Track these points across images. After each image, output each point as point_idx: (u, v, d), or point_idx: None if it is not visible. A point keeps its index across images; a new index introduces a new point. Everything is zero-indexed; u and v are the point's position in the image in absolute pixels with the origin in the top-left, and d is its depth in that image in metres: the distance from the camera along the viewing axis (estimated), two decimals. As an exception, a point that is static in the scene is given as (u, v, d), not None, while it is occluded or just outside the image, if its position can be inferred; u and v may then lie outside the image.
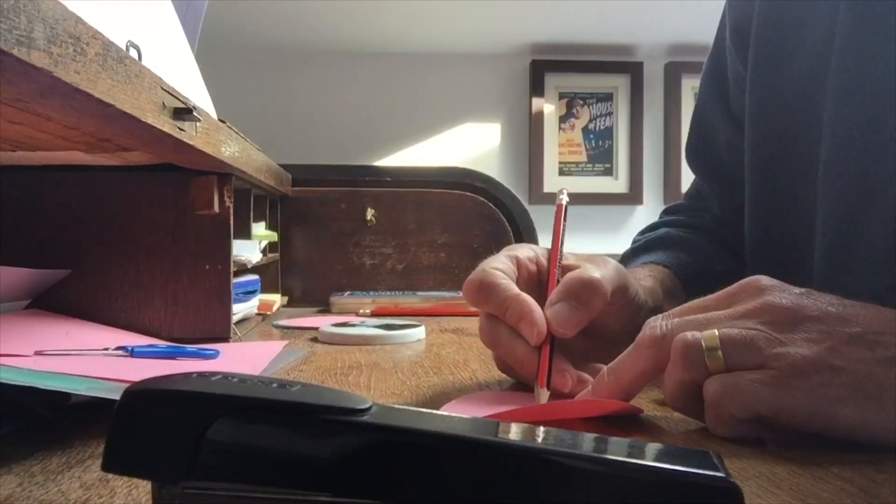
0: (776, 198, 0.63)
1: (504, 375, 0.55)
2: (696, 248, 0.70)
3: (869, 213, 0.52)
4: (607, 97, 2.71)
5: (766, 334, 0.37)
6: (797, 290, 0.39)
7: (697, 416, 0.40)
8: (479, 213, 1.20)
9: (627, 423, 0.42)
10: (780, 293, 0.39)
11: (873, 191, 0.52)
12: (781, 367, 0.36)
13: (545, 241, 1.22)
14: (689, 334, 0.39)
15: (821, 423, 0.36)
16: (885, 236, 0.50)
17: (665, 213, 0.84)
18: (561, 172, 2.69)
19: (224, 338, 0.69)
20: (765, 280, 0.41)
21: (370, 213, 1.17)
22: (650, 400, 0.47)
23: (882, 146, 0.51)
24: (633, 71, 2.70)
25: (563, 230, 0.55)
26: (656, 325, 0.41)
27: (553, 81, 2.67)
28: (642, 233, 0.79)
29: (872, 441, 0.35)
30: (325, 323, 0.79)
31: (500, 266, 0.51)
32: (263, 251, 1.00)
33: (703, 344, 0.38)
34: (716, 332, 0.38)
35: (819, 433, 0.36)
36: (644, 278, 0.60)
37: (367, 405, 0.25)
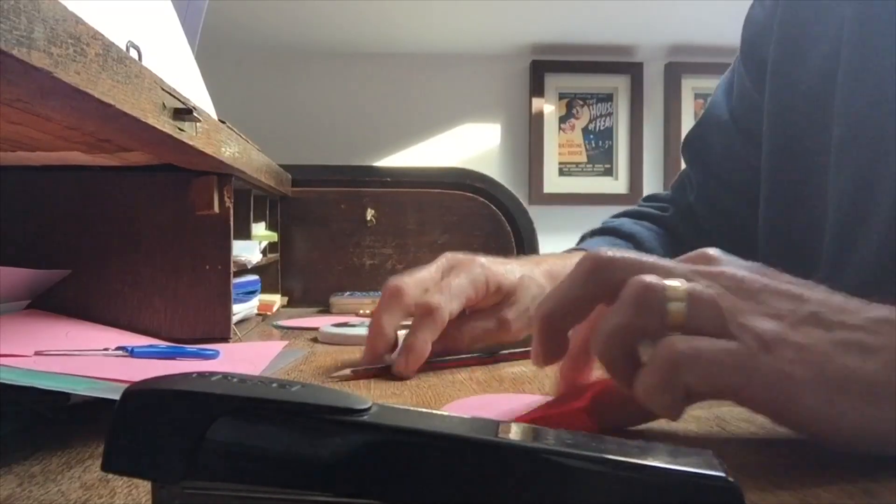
0: (789, 196, 0.64)
1: (504, 374, 0.55)
2: (641, 241, 0.73)
3: (877, 193, 0.53)
4: (607, 97, 2.71)
5: (731, 302, 0.33)
6: (748, 262, 0.36)
7: (618, 375, 0.34)
8: (479, 214, 1.20)
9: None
10: (735, 264, 0.36)
11: (882, 168, 0.54)
12: (746, 339, 0.32)
13: (545, 241, 1.22)
14: (651, 277, 0.34)
15: (780, 406, 0.32)
16: (889, 216, 0.52)
17: (644, 200, 0.88)
18: (561, 173, 2.69)
19: (224, 338, 0.69)
20: (715, 251, 0.37)
21: (370, 214, 1.17)
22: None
23: (887, 131, 0.53)
24: (634, 71, 2.70)
25: None
26: (606, 253, 0.36)
27: (553, 82, 2.67)
28: (613, 216, 0.82)
29: (829, 434, 0.32)
30: (324, 323, 0.79)
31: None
32: (263, 251, 1.00)
33: (666, 293, 0.33)
34: (682, 283, 0.34)
35: (774, 417, 0.33)
36: (559, 263, 0.64)
37: (366, 405, 0.25)
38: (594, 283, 0.36)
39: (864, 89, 0.56)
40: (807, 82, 0.63)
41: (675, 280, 0.34)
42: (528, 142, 2.68)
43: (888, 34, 0.54)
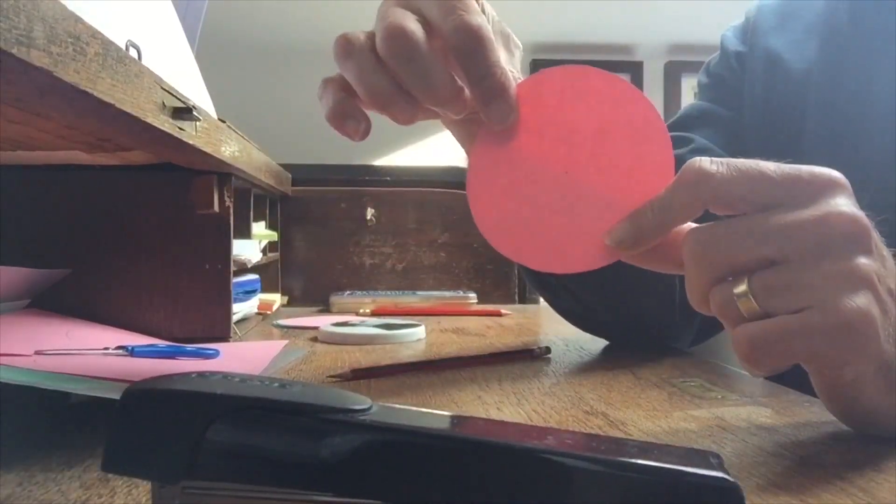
0: None
1: (501, 379, 0.55)
2: None
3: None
4: (607, 97, 2.70)
5: (814, 267, 0.32)
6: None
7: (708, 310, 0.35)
8: (479, 213, 1.20)
9: (629, 423, 0.42)
10: (850, 201, 0.34)
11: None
12: (828, 312, 0.32)
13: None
14: (721, 289, 0.34)
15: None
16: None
17: None
18: (561, 172, 2.68)
19: (224, 337, 0.69)
20: (839, 177, 0.35)
21: (370, 213, 1.17)
22: (650, 399, 0.47)
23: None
24: (633, 71, 2.69)
25: None
26: (704, 166, 0.35)
27: (553, 81, 2.66)
28: None
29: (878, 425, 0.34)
30: (325, 323, 0.79)
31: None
32: (263, 251, 1.00)
33: (735, 290, 0.34)
34: (746, 284, 0.33)
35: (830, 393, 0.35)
36: None
37: (366, 405, 0.25)
38: (690, 205, 0.36)
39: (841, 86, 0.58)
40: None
41: (742, 279, 0.33)
42: (528, 141, 2.68)
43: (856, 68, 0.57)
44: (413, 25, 0.37)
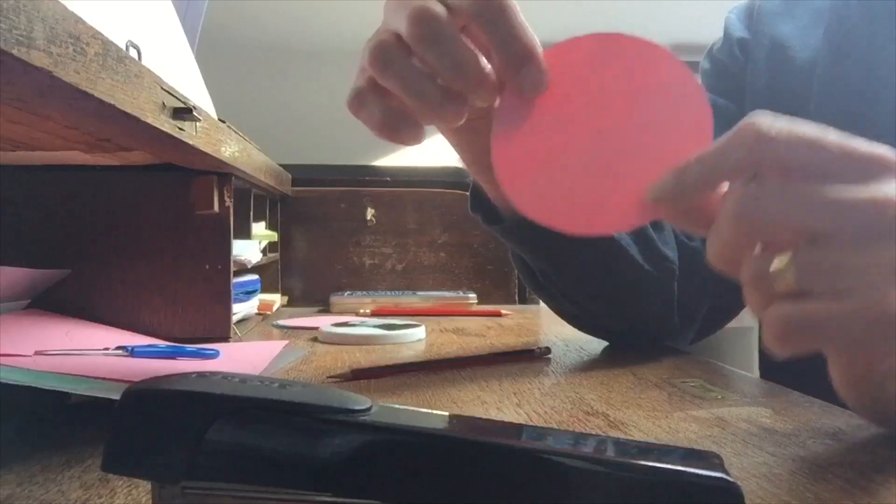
0: None
1: (504, 372, 0.55)
2: None
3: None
4: (607, 97, 2.70)
5: (864, 251, 0.31)
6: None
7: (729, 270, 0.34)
8: (479, 213, 1.20)
9: (629, 423, 0.42)
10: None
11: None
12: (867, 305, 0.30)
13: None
14: (758, 261, 0.32)
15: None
16: None
17: None
18: (561, 172, 2.68)
19: (224, 338, 0.69)
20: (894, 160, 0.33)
21: (370, 213, 1.17)
22: (650, 400, 0.47)
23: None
24: (633, 71, 2.69)
25: None
26: (764, 126, 0.33)
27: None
28: None
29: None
30: (325, 323, 0.79)
31: None
32: (263, 251, 1.00)
33: (775, 264, 0.31)
34: (790, 258, 0.31)
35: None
36: None
37: (366, 405, 0.25)
38: (741, 162, 0.34)
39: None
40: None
41: (786, 254, 0.31)
42: (528, 141, 2.68)
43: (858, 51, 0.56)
44: (437, 7, 0.37)
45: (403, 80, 0.38)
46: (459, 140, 0.52)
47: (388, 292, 1.09)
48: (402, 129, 0.39)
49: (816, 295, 0.31)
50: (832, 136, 0.33)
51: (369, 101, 0.40)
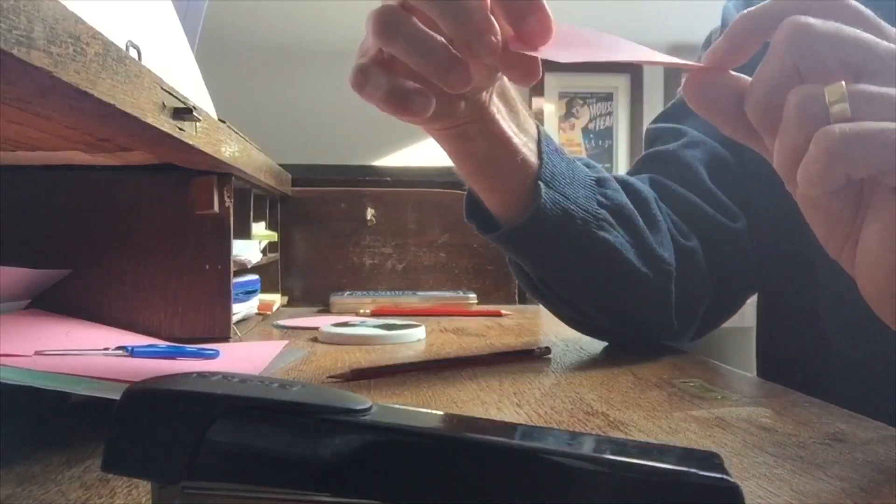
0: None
1: (504, 371, 0.55)
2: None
3: None
4: (607, 97, 2.71)
5: None
6: None
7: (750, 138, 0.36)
8: (479, 213, 1.20)
9: (629, 423, 0.42)
10: None
11: None
12: None
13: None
14: (810, 87, 0.32)
15: None
16: None
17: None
18: (561, 172, 2.69)
19: (224, 338, 0.69)
20: None
21: (370, 213, 1.17)
22: (650, 400, 0.47)
23: None
24: (633, 71, 2.70)
25: None
26: (804, 21, 0.33)
27: (553, 81, 2.67)
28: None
29: None
30: (325, 323, 0.79)
31: None
32: (263, 251, 1.00)
33: (829, 92, 0.32)
34: (844, 87, 0.32)
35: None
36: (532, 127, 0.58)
37: (366, 405, 0.25)
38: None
39: None
40: None
41: (839, 83, 0.32)
42: (528, 141, 2.68)
43: None
44: None
45: (410, 41, 0.38)
46: (454, 147, 0.52)
47: (388, 292, 1.09)
48: (409, 99, 0.39)
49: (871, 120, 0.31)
50: (872, 38, 0.33)
51: (374, 74, 0.40)
